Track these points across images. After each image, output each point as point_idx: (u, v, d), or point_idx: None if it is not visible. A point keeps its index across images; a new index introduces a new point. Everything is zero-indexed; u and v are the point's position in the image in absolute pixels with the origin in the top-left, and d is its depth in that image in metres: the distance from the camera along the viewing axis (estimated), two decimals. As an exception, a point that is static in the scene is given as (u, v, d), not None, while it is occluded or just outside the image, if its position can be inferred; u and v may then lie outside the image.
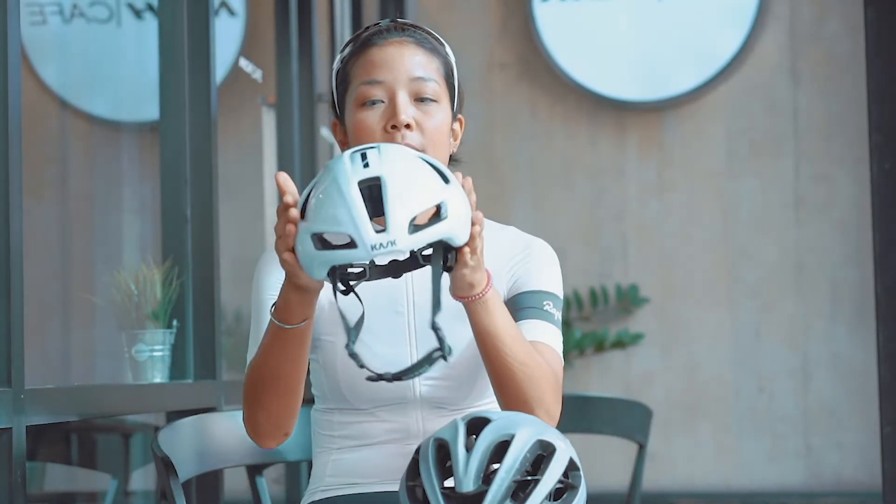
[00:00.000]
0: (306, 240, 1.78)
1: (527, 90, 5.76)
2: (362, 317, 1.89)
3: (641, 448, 3.31)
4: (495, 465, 1.78)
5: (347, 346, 1.86)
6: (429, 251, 1.86)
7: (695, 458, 5.59)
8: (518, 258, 2.20)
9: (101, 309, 4.36)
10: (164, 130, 3.26)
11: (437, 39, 2.21)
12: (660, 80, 5.65)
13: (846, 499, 5.42)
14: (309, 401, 2.20)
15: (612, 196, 5.70)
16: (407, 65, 2.15)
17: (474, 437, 1.80)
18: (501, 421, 1.81)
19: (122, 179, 4.99)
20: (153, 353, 3.01)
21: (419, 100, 2.14)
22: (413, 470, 1.83)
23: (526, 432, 1.79)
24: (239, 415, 2.42)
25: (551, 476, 1.78)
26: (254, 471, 2.46)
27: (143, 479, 4.24)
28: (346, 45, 2.21)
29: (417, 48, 2.17)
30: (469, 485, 1.76)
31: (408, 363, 2.13)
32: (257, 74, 4.96)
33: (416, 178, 1.78)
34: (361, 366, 1.87)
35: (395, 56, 2.15)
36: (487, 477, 1.77)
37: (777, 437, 5.55)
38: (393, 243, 1.74)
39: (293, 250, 1.84)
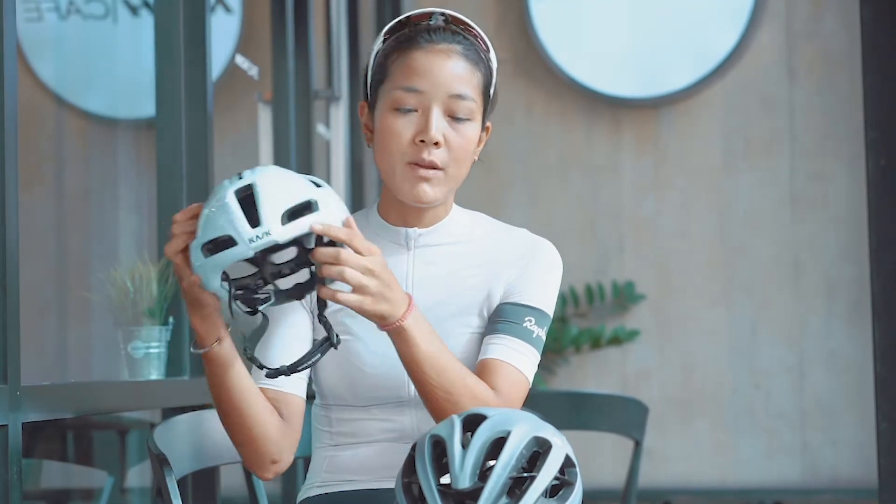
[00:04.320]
0: (196, 254, 1.90)
1: (523, 87, 5.76)
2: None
3: (637, 445, 3.31)
4: (491, 462, 1.78)
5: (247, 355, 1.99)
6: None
7: (691, 455, 5.60)
8: (520, 262, 2.19)
9: (97, 306, 4.36)
10: (160, 127, 3.26)
11: (483, 45, 2.16)
12: (656, 77, 5.66)
13: (842, 495, 5.42)
14: (311, 397, 2.20)
15: (608, 193, 5.70)
16: (448, 78, 2.10)
17: (470, 433, 1.80)
18: (498, 417, 1.81)
19: (118, 176, 4.99)
20: (149, 350, 3.01)
21: (455, 115, 2.11)
22: (409, 466, 1.83)
23: (522, 429, 1.79)
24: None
25: (547, 473, 1.78)
26: (250, 468, 2.46)
27: (139, 475, 4.24)
28: (393, 28, 2.15)
29: (463, 60, 2.12)
30: (465, 481, 1.75)
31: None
32: (253, 71, 4.96)
33: (287, 182, 1.90)
34: (261, 366, 2.02)
35: (439, 66, 2.10)
36: (483, 474, 1.77)
37: (773, 433, 5.56)
38: (268, 233, 1.86)
39: (185, 251, 1.93)
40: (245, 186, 1.88)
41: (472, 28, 2.16)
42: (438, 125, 2.09)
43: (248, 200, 1.87)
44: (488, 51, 2.17)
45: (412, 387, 2.14)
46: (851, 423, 5.50)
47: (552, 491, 1.80)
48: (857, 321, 5.47)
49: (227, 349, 2.03)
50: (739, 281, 5.61)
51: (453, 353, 2.07)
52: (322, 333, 2.01)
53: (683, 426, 5.60)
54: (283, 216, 1.86)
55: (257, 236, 1.85)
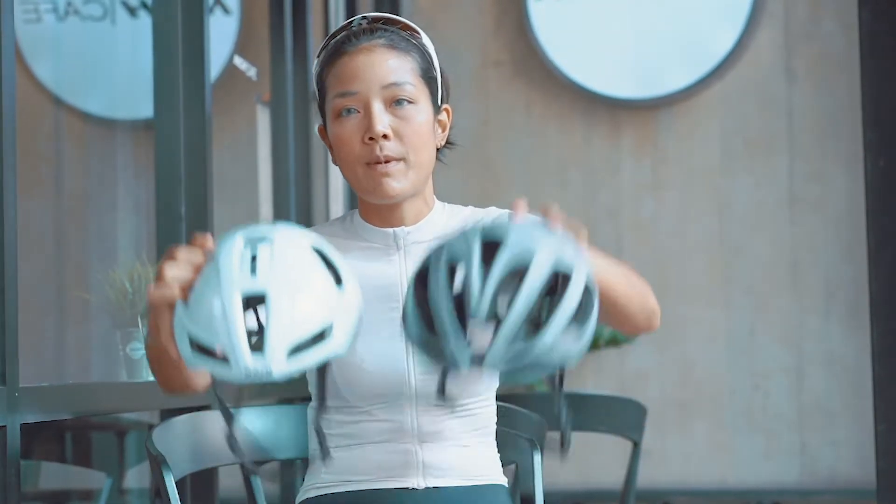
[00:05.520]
0: (183, 335, 1.70)
1: (521, 88, 5.76)
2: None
3: (636, 446, 3.31)
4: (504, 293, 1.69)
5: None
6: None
7: (689, 456, 5.60)
8: None
9: (95, 307, 4.36)
10: (158, 128, 3.27)
11: (410, 32, 2.17)
12: (654, 78, 5.66)
13: (840, 496, 5.43)
14: (303, 399, 2.20)
15: (607, 194, 5.70)
16: (378, 72, 2.11)
17: (489, 257, 1.70)
18: (517, 245, 1.70)
19: (116, 177, 4.99)
20: (148, 351, 3.00)
21: (396, 103, 2.11)
22: (423, 283, 1.71)
23: (544, 256, 1.69)
24: (234, 413, 2.42)
25: (570, 301, 1.69)
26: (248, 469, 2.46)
27: (137, 477, 4.24)
28: (321, 49, 2.18)
29: (389, 51, 2.13)
30: (484, 313, 1.67)
31: (404, 357, 2.14)
32: (252, 72, 4.96)
33: (305, 296, 1.68)
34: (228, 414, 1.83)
35: (366, 64, 2.11)
36: (502, 303, 1.67)
37: (771, 434, 5.56)
38: (269, 373, 1.66)
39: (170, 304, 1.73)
40: (256, 293, 1.67)
41: (395, 20, 2.17)
42: (381, 119, 2.10)
43: (256, 306, 1.68)
44: (419, 34, 2.18)
45: (413, 382, 2.15)
46: (850, 424, 5.50)
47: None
48: (855, 322, 5.47)
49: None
50: (738, 282, 5.61)
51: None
52: None
53: (682, 427, 5.61)
54: (289, 350, 1.67)
55: (256, 372, 1.66)
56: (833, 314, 5.55)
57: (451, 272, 1.70)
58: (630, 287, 2.03)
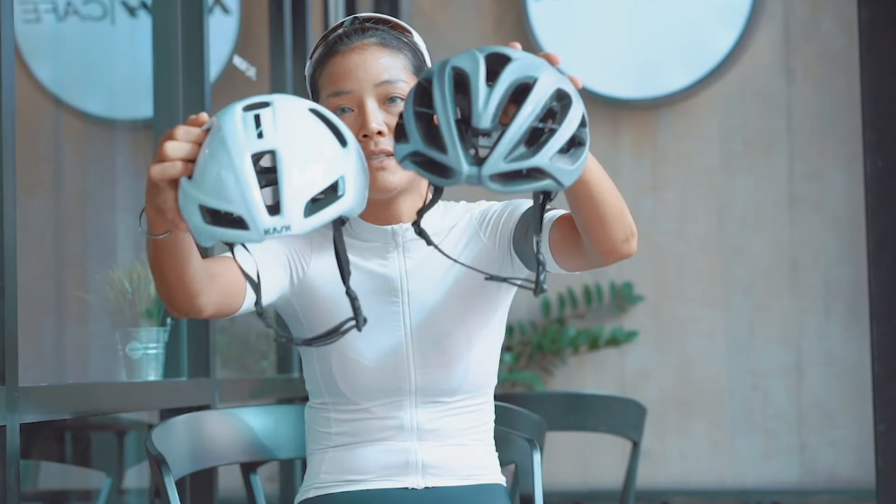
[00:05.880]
0: (193, 209, 1.67)
1: (521, 88, 5.76)
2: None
3: (635, 446, 3.31)
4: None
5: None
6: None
7: (689, 456, 5.60)
8: (484, 220, 2.22)
9: (95, 307, 4.35)
10: (158, 128, 3.27)
11: (401, 31, 2.19)
12: (654, 78, 5.66)
13: (840, 496, 5.43)
14: (302, 398, 2.20)
15: (607, 194, 5.69)
16: (371, 70, 2.13)
17: (494, 73, 1.70)
18: (524, 61, 1.71)
19: (116, 177, 4.99)
20: (147, 351, 3.01)
21: (390, 100, 2.13)
22: (423, 95, 1.72)
23: (548, 78, 1.70)
24: (234, 413, 2.43)
25: (568, 128, 1.71)
26: (248, 468, 2.46)
27: (137, 477, 4.24)
28: (314, 49, 2.20)
29: (381, 49, 2.15)
30: (487, 121, 1.67)
31: (403, 352, 2.15)
32: (251, 72, 4.96)
33: (314, 151, 1.67)
34: (286, 338, 1.81)
35: (358, 63, 2.14)
36: (504, 117, 1.68)
37: (771, 434, 5.56)
38: (287, 228, 1.64)
39: (175, 182, 1.69)
40: (266, 151, 1.65)
41: (386, 19, 2.20)
42: (375, 116, 2.12)
43: (267, 170, 1.65)
44: (410, 33, 2.21)
45: (413, 377, 2.16)
46: (849, 424, 5.50)
47: (564, 148, 1.73)
48: (854, 322, 5.47)
49: (176, 238, 1.81)
50: (737, 282, 5.61)
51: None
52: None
53: (681, 427, 5.61)
54: (306, 206, 1.65)
55: (274, 229, 1.64)
56: (832, 314, 5.55)
57: (455, 84, 1.70)
58: (615, 195, 2.02)
